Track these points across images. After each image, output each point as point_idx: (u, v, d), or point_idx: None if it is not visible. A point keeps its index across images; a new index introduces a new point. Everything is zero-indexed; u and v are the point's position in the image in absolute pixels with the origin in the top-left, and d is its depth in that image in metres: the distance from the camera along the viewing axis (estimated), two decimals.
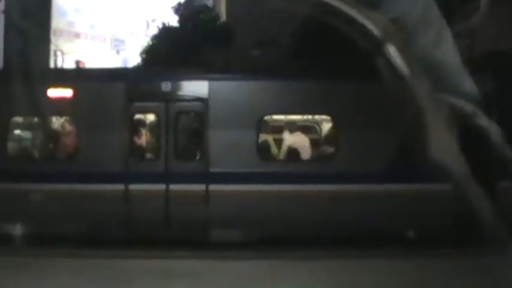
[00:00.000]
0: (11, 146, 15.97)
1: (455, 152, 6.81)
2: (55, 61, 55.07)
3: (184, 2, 45.10)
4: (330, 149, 15.64)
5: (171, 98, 15.17)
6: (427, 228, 14.38)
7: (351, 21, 6.18)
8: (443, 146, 6.25)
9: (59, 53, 56.52)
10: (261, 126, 15.45)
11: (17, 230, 14.92)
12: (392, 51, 6.14)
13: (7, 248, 13.55)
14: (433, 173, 13.73)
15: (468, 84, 6.80)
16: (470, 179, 6.51)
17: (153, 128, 15.78)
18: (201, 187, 14.65)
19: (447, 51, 6.56)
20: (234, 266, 12.64)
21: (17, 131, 16.88)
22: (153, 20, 58.92)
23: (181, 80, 15.41)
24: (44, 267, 12.34)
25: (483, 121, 6.65)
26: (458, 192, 13.46)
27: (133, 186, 14.73)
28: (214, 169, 14.77)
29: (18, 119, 16.42)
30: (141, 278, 11.52)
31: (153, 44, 44.76)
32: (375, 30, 6.37)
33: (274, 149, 16.09)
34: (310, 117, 16.73)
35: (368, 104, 14.67)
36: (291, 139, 16.37)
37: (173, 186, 14.72)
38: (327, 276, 11.68)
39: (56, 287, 10.86)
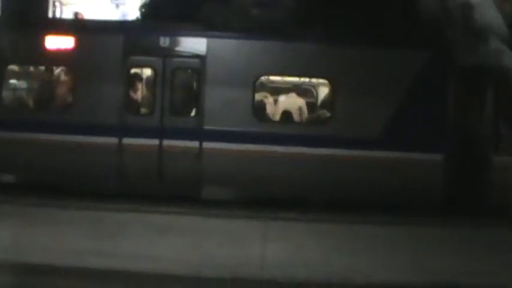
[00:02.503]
0: (6, 94, 15.88)
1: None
2: (54, 11, 54.52)
3: None
4: (326, 113, 15.62)
5: (169, 53, 15.09)
6: (419, 196, 14.44)
7: None
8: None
9: (57, 4, 56.00)
10: (258, 86, 15.38)
11: (10, 179, 14.94)
12: None
13: (2, 197, 13.59)
14: (428, 142, 13.96)
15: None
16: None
17: (150, 82, 15.67)
18: (194, 144, 14.66)
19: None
20: (226, 224, 12.73)
21: (13, 80, 16.77)
22: None
23: (180, 36, 15.32)
24: (36, 216, 12.40)
25: None
26: (452, 162, 13.67)
27: (127, 140, 14.73)
28: (208, 126, 14.76)
29: (14, 68, 16.31)
30: (133, 232, 11.58)
31: None
32: None
33: (269, 109, 16.03)
34: (307, 80, 16.63)
35: (366, 69, 14.67)
36: (286, 101, 16.32)
37: (167, 142, 14.73)
38: (318, 238, 11.78)
39: (48, 237, 10.87)
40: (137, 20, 20.55)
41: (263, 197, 14.53)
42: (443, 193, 14.35)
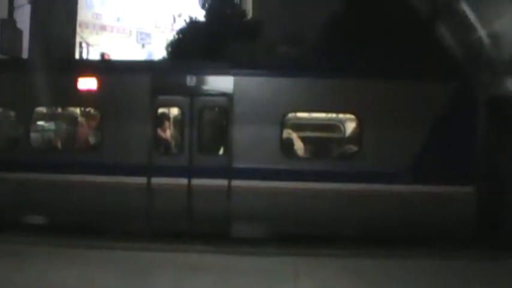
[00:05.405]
0: (34, 136, 15.99)
1: None
2: (80, 53, 55.37)
3: None
4: (354, 148, 15.55)
5: (196, 92, 15.12)
6: (450, 229, 14.31)
7: None
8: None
9: (84, 45, 56.81)
10: (285, 123, 15.34)
11: (39, 220, 14.98)
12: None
13: (29, 238, 13.64)
14: (456, 175, 13.82)
15: None
16: None
17: (177, 122, 15.73)
18: (223, 182, 14.63)
19: None
20: (256, 262, 12.63)
21: (41, 122, 16.91)
22: (180, 15, 59.01)
23: (207, 74, 15.34)
24: (65, 258, 12.40)
25: None
26: (481, 194, 13.53)
27: (156, 180, 14.73)
28: (237, 164, 14.73)
29: (42, 110, 16.44)
30: (163, 271, 11.56)
31: (179, 38, 44.73)
32: None
33: (297, 146, 15.99)
34: (334, 115, 16.61)
35: (393, 104, 14.61)
36: (314, 137, 16.28)
37: (196, 181, 14.70)
38: (349, 274, 11.66)
39: (78, 278, 10.88)
40: (163, 60, 20.66)
41: (293, 234, 14.45)
42: (472, 227, 14.19)
